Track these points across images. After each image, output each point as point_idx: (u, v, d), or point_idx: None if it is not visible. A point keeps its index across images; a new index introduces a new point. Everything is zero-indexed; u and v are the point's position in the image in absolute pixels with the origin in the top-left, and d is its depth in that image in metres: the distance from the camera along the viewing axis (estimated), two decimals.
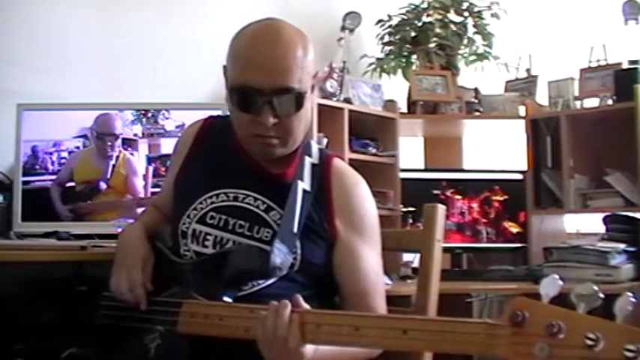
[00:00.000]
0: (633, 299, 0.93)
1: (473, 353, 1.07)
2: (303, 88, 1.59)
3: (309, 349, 1.32)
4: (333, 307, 1.68)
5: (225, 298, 1.52)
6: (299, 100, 1.59)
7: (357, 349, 1.51)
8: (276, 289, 1.58)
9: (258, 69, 1.56)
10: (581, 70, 3.70)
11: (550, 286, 0.99)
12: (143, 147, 2.76)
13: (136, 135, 2.76)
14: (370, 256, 1.69)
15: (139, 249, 1.69)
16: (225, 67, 1.67)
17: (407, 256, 3.39)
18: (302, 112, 1.62)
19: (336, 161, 1.78)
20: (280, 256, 1.55)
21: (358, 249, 1.67)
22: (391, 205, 3.58)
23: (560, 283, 0.99)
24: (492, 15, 3.97)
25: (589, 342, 0.92)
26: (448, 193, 3.66)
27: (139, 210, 2.57)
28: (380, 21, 4.02)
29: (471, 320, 1.08)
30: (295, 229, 1.61)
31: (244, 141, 1.68)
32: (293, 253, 1.60)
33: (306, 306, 1.35)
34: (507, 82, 4.05)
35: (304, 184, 1.67)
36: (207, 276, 1.57)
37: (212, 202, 1.69)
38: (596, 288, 0.96)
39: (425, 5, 4.01)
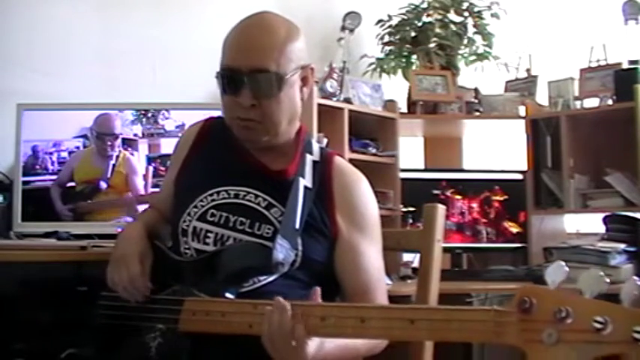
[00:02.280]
0: None
1: (481, 341, 1.08)
2: (282, 71, 1.62)
3: (313, 345, 1.32)
4: None
5: (228, 295, 1.52)
6: (277, 82, 1.61)
7: (361, 343, 1.51)
8: (278, 286, 1.59)
9: (238, 50, 1.61)
10: (581, 70, 3.70)
11: (556, 272, 1.00)
12: (143, 147, 2.76)
13: (136, 135, 2.75)
14: (371, 253, 1.69)
15: (137, 246, 1.68)
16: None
17: (407, 256, 3.39)
18: (282, 97, 1.64)
19: (337, 159, 1.79)
20: (282, 251, 1.56)
21: (359, 246, 1.68)
22: (391, 205, 3.57)
23: (566, 269, 0.99)
24: (492, 15, 3.97)
25: (597, 325, 0.92)
26: (448, 193, 3.66)
27: (140, 207, 2.59)
28: (380, 21, 4.02)
29: (479, 308, 1.08)
30: (297, 226, 1.61)
31: (230, 126, 1.71)
32: (295, 249, 1.60)
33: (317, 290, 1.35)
34: (507, 82, 4.05)
35: (305, 181, 1.68)
36: (209, 273, 1.57)
37: (213, 200, 1.69)
38: (601, 273, 0.96)
39: (425, 5, 4.01)
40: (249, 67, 1.59)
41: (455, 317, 1.10)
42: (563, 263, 0.99)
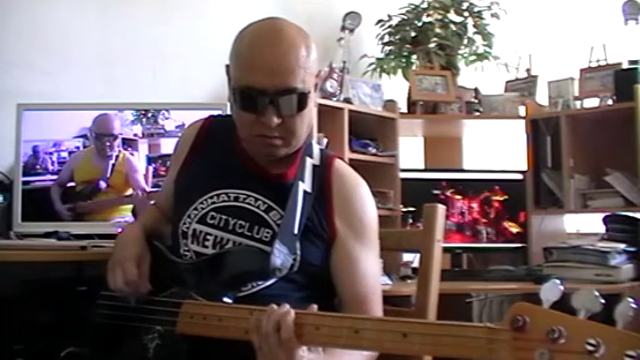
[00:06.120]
0: (634, 305, 0.93)
1: (473, 358, 1.07)
2: (307, 88, 1.59)
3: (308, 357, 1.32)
4: (332, 308, 1.67)
5: (225, 299, 1.52)
6: (302, 100, 1.59)
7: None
8: (276, 289, 1.58)
9: (261, 70, 1.55)
10: (581, 70, 3.71)
11: (551, 291, 0.99)
12: (143, 147, 2.76)
13: (135, 135, 2.75)
14: (368, 260, 1.68)
15: (134, 248, 1.68)
16: (227, 67, 1.66)
17: (407, 256, 3.40)
18: (305, 112, 1.62)
19: (337, 162, 1.77)
20: (280, 257, 1.55)
21: (356, 252, 1.67)
22: (391, 205, 3.58)
23: (561, 288, 0.99)
24: (492, 15, 3.98)
25: (590, 347, 0.92)
26: (448, 193, 3.66)
27: (140, 206, 2.59)
28: (380, 21, 4.02)
29: (472, 324, 1.07)
30: (296, 230, 1.60)
31: (247, 141, 1.68)
32: (293, 254, 1.59)
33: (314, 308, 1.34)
34: (507, 82, 4.05)
35: (305, 185, 1.67)
36: (207, 276, 1.57)
37: (213, 202, 1.68)
38: (597, 293, 0.96)
39: (425, 5, 4.01)
40: (276, 88, 1.55)
41: (448, 332, 1.09)
42: (559, 281, 0.99)
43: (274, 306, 1.33)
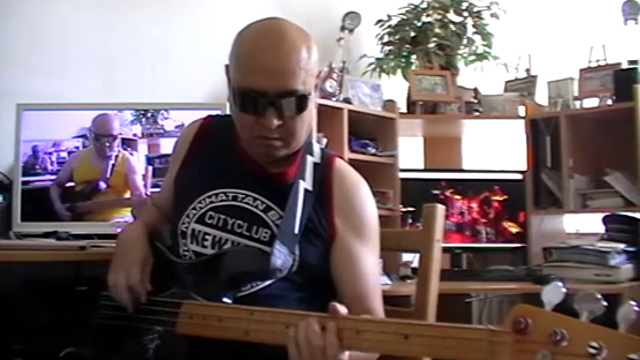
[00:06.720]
0: (636, 308, 0.93)
1: None
2: (307, 90, 1.58)
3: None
4: None
5: (225, 299, 1.51)
6: (303, 101, 1.58)
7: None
8: (275, 289, 1.58)
9: (262, 72, 1.54)
10: (581, 70, 3.72)
11: (553, 293, 0.99)
12: (143, 147, 2.76)
13: (135, 135, 2.75)
14: (368, 258, 1.67)
15: (138, 249, 1.68)
16: (227, 67, 1.66)
17: (407, 256, 3.40)
18: (305, 113, 1.61)
19: (338, 161, 1.76)
20: (281, 257, 1.54)
21: (357, 250, 1.66)
22: (391, 205, 3.58)
23: (564, 290, 0.99)
24: (492, 15, 3.98)
25: (592, 350, 0.92)
26: (448, 193, 3.67)
27: (138, 209, 2.58)
28: (380, 21, 4.03)
29: (473, 326, 1.07)
30: (296, 231, 1.60)
31: (247, 142, 1.67)
32: (293, 254, 1.58)
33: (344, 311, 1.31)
34: (507, 82, 4.06)
35: (306, 184, 1.66)
36: (207, 277, 1.57)
37: (211, 202, 1.68)
38: (599, 296, 0.96)
39: (424, 5, 4.01)
40: (277, 90, 1.54)
41: (449, 334, 1.09)
42: (561, 284, 0.99)
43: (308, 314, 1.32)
